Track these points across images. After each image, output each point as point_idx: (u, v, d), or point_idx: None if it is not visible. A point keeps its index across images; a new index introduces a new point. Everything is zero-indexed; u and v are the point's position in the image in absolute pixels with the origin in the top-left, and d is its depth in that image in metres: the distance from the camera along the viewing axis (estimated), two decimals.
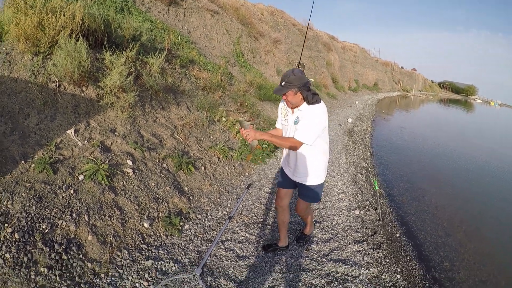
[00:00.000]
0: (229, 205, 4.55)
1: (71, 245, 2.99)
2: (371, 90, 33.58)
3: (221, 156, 5.58)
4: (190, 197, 4.41)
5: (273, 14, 18.91)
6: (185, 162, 4.81)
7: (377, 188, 5.28)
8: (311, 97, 2.91)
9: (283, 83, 2.85)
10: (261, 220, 4.32)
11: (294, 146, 2.90)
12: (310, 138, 2.87)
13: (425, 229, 5.08)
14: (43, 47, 4.22)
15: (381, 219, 4.77)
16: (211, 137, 6.02)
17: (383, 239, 4.23)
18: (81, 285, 2.76)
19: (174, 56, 7.09)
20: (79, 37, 4.34)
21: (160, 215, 3.83)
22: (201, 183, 4.80)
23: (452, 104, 50.91)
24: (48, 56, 4.26)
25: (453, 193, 7.23)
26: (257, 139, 2.85)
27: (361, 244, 3.97)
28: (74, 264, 2.87)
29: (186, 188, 4.54)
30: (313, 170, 3.13)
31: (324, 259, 3.64)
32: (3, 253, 2.62)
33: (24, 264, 2.64)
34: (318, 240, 4.02)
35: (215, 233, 3.89)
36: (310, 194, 3.27)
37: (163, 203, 4.01)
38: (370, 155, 8.63)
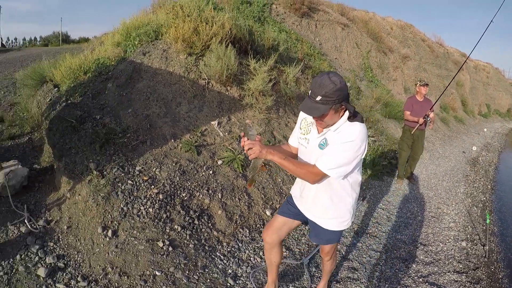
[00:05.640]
0: None
1: (204, 214, 3.30)
2: (503, 117, 26.50)
3: None
4: None
5: (402, 28, 17.32)
6: None
7: (488, 222, 4.59)
8: (353, 114, 1.90)
9: (318, 97, 1.77)
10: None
11: (312, 177, 1.93)
12: (337, 171, 1.87)
13: None
14: (196, 49, 4.94)
15: (486, 256, 4.24)
16: None
17: (484, 276, 3.75)
18: (205, 247, 3.00)
19: (307, 66, 7.29)
20: (228, 44, 4.93)
21: None
22: None
23: None
24: (200, 57, 4.96)
25: None
26: (263, 158, 1.91)
27: (460, 275, 3.60)
28: (203, 230, 3.15)
29: None
30: (337, 211, 2.12)
31: (420, 279, 3.38)
32: (147, 207, 3.07)
33: (162, 219, 3.04)
34: (419, 261, 3.74)
35: None
36: (325, 237, 2.27)
37: (285, 198, 4.06)
38: (491, 189, 7.37)
